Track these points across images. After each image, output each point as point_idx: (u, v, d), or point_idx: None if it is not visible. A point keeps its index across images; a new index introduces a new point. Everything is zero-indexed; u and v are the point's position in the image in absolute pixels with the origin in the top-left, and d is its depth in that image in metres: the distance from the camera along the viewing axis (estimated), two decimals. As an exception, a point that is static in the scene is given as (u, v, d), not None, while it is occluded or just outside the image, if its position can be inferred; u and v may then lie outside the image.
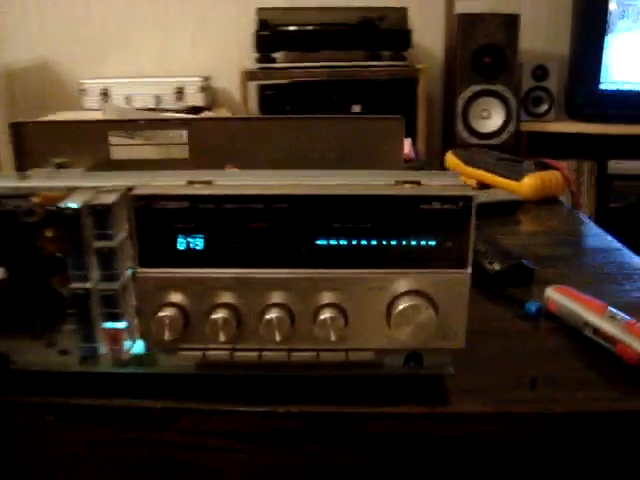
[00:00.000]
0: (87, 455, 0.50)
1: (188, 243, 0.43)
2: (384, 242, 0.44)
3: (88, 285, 0.44)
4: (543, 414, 0.46)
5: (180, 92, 2.37)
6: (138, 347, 0.48)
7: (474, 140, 2.27)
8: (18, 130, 0.84)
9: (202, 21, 2.58)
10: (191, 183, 0.45)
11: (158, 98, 2.35)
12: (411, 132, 2.15)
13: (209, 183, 0.44)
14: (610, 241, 0.87)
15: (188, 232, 0.43)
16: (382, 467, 0.48)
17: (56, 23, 2.58)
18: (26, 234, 0.45)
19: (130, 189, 0.43)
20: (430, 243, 0.44)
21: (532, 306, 0.62)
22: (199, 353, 0.46)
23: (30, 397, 0.48)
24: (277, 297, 0.44)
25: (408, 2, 2.41)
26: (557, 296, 0.60)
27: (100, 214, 0.42)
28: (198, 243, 0.44)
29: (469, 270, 0.44)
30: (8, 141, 0.84)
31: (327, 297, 0.44)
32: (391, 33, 2.25)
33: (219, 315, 0.43)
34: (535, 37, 2.54)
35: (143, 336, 0.46)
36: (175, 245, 0.44)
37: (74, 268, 0.43)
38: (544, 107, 2.44)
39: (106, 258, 0.43)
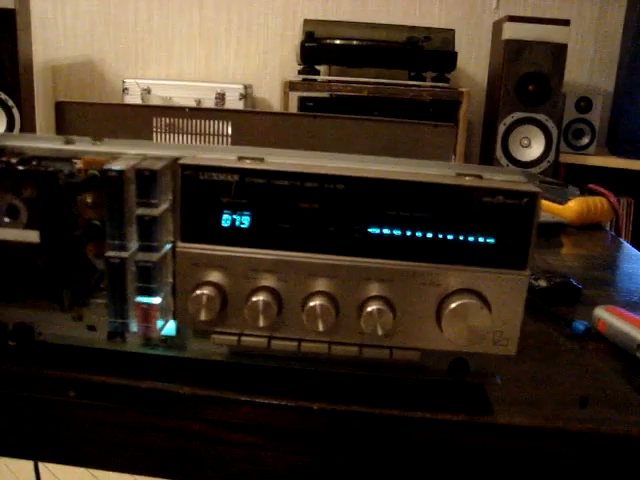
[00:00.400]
0: (104, 436, 0.48)
1: (234, 220, 0.41)
2: (440, 235, 0.41)
3: (125, 254, 0.42)
4: (596, 434, 0.43)
5: (221, 98, 2.37)
6: (169, 329, 0.46)
7: (519, 169, 2.24)
8: (62, 110, 0.83)
9: (247, 30, 2.59)
10: (242, 159, 0.43)
11: (199, 102, 2.36)
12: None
13: (261, 160, 0.42)
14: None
15: (235, 208, 0.41)
16: (418, 475, 0.45)
17: (105, 24, 2.62)
18: (65, 198, 0.43)
19: (178, 159, 0.41)
20: (489, 240, 0.41)
21: (580, 325, 0.59)
22: (234, 338, 0.43)
23: (53, 370, 0.46)
24: (322, 285, 0.42)
25: (456, 24, 2.41)
26: (607, 316, 0.57)
27: (145, 180, 0.40)
28: (244, 220, 0.41)
29: (528, 272, 0.41)
30: (50, 132, 0.82)
31: (375, 289, 0.42)
32: (436, 54, 2.23)
33: (260, 298, 0.41)
34: (581, 68, 2.52)
35: (178, 314, 0.43)
36: (220, 221, 0.41)
37: (112, 235, 0.41)
38: (585, 140, 2.41)
39: (147, 228, 0.41)
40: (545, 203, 1.05)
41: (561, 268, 0.79)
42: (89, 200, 0.43)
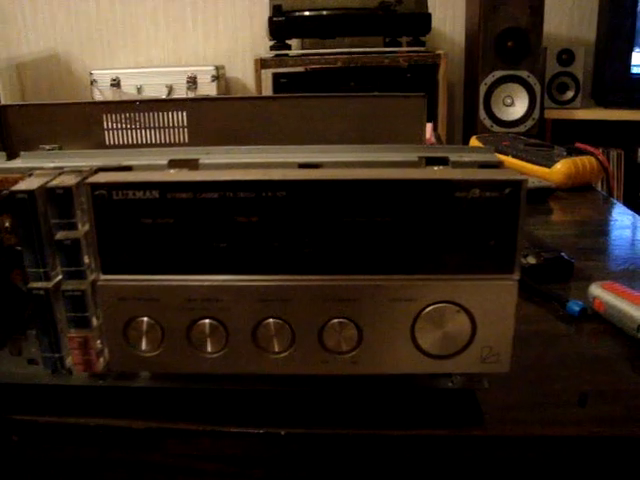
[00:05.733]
0: (61, 477, 0.43)
1: (160, 243, 0.35)
2: (409, 241, 0.35)
3: (49, 284, 0.36)
4: (597, 437, 0.38)
5: (193, 82, 2.29)
6: (116, 357, 0.40)
7: (497, 128, 2.18)
8: (4, 114, 0.77)
9: (214, 8, 2.50)
10: (172, 165, 0.37)
11: (170, 88, 2.28)
12: (431, 119, 2.06)
13: (193, 163, 0.37)
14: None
15: (159, 230, 0.35)
16: (403, 501, 0.40)
17: (66, 14, 2.52)
18: (-21, 224, 0.37)
19: (96, 171, 0.36)
20: (467, 242, 0.35)
21: (575, 306, 0.54)
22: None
23: (-10, 415, 0.42)
24: (272, 311, 0.35)
25: (427, -15, 2.32)
26: (605, 294, 0.53)
27: (59, 199, 0.34)
28: (173, 243, 0.35)
29: (517, 276, 0.35)
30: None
31: (337, 311, 0.35)
32: (410, 17, 2.15)
33: (202, 326, 0.35)
34: (560, 20, 2.44)
35: (110, 357, 0.38)
36: (144, 246, 0.35)
37: (31, 264, 0.36)
38: (570, 93, 2.34)
39: (70, 252, 0.36)
40: (531, 167, 1.00)
41: (551, 239, 0.74)
42: (7, 224, 0.38)
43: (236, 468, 0.42)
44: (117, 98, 2.20)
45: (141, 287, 0.35)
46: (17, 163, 0.39)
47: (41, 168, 0.37)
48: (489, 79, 2.16)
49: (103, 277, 0.35)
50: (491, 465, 0.39)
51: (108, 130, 0.77)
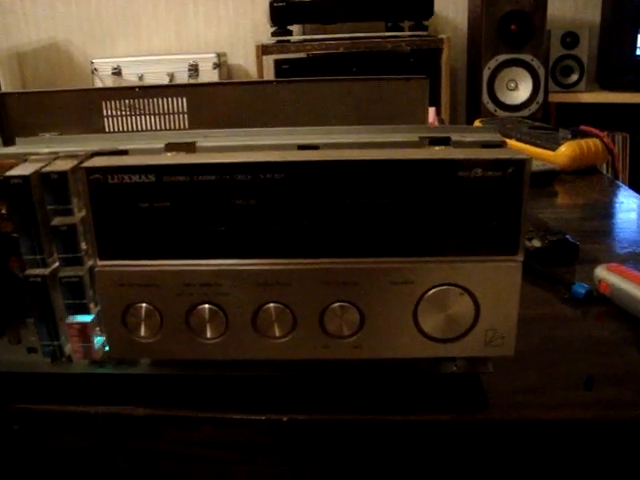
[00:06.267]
0: (62, 465, 0.43)
1: (158, 228, 0.34)
2: (410, 223, 0.34)
3: (46, 271, 0.36)
4: (604, 421, 0.38)
5: (194, 69, 2.28)
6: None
7: (500, 112, 2.16)
8: (3, 102, 0.76)
9: (215, -5, 2.49)
10: (169, 148, 0.36)
11: (172, 76, 2.27)
12: (435, 104, 2.04)
13: (190, 146, 0.36)
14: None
15: (156, 214, 0.34)
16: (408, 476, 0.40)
17: (66, 3, 2.51)
18: (-24, 211, 0.37)
19: (92, 155, 0.35)
20: (470, 223, 0.34)
21: (580, 288, 0.53)
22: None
23: (-9, 403, 0.41)
24: (272, 295, 0.35)
25: (430, -32, 2.30)
26: (610, 277, 0.52)
27: (54, 185, 0.34)
28: (171, 227, 0.34)
29: (521, 257, 0.35)
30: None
31: (337, 294, 0.35)
32: (412, 2, 2.13)
33: (199, 314, 0.35)
34: (564, 2, 2.41)
35: (109, 343, 0.37)
36: (141, 230, 0.34)
37: (28, 251, 0.36)
38: (574, 77, 2.32)
39: (66, 238, 0.35)
40: (535, 150, 0.99)
41: (556, 222, 0.73)
42: (3, 211, 0.38)
43: (239, 455, 0.41)
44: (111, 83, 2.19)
45: (139, 272, 0.35)
46: (12, 149, 0.39)
47: (36, 153, 0.37)
48: (492, 63, 2.15)
49: (101, 263, 0.35)
50: (495, 450, 0.39)
51: (107, 117, 0.76)
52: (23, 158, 0.37)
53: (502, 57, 2.14)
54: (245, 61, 2.51)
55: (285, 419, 0.39)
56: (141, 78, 2.29)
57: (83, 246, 0.36)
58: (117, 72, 2.28)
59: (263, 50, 2.10)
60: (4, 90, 2.28)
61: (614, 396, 0.40)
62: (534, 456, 0.39)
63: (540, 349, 0.45)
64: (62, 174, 0.34)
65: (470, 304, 0.34)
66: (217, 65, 2.29)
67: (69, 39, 2.54)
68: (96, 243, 0.34)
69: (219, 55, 2.33)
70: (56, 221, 0.35)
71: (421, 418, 0.38)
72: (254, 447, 0.41)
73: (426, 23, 2.17)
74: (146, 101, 0.76)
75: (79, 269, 0.36)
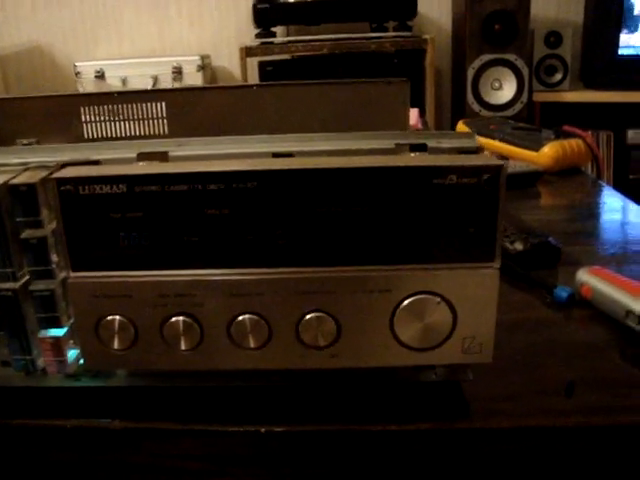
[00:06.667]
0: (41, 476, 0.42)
1: (130, 238, 0.34)
2: (385, 230, 0.34)
3: (16, 285, 0.35)
4: (585, 427, 0.38)
5: (178, 72, 2.27)
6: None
7: (485, 112, 2.16)
8: (-21, 109, 0.75)
9: (198, -3, 2.48)
10: (141, 157, 0.36)
11: (155, 79, 2.26)
12: (419, 105, 2.04)
13: (162, 156, 0.35)
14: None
15: (128, 224, 0.34)
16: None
17: (48, 5, 2.49)
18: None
19: (63, 166, 0.35)
20: (446, 230, 0.34)
21: (562, 292, 0.53)
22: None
23: (-37, 419, 0.40)
24: (246, 306, 0.35)
25: (413, -31, 2.30)
26: (592, 280, 0.52)
27: (23, 196, 0.33)
28: (143, 238, 0.34)
29: (497, 264, 0.34)
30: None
31: (313, 304, 0.34)
32: (396, 2, 2.13)
33: (176, 322, 0.34)
34: (547, 2, 2.42)
35: (83, 356, 0.37)
36: (114, 241, 0.34)
37: (-2, 264, 0.35)
38: (558, 76, 2.33)
39: (37, 251, 0.35)
40: (518, 151, 0.99)
41: (539, 223, 0.73)
42: (-28, 222, 0.37)
43: (217, 466, 0.41)
44: (101, 90, 2.18)
45: (112, 284, 0.34)
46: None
47: (6, 164, 0.36)
48: (476, 63, 2.15)
49: (73, 274, 0.34)
50: (477, 458, 0.39)
51: (86, 123, 0.75)
52: (-8, 169, 0.36)
53: (486, 57, 2.15)
54: (229, 63, 2.50)
55: (263, 430, 0.38)
56: (124, 81, 2.28)
57: (54, 258, 0.35)
58: (100, 75, 2.27)
59: (247, 52, 2.10)
60: (-14, 94, 2.26)
61: (595, 402, 0.39)
62: (515, 464, 0.39)
63: (522, 354, 0.45)
64: (31, 186, 0.33)
65: (447, 312, 0.34)
66: (201, 67, 2.28)
67: (52, 42, 2.52)
68: (68, 255, 0.34)
69: (203, 57, 2.32)
70: (26, 234, 0.34)
71: (401, 428, 0.38)
72: (232, 459, 0.40)
73: (410, 23, 2.17)
74: (125, 106, 0.75)
75: (50, 282, 0.35)
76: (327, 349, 0.34)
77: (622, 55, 2.24)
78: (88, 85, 2.26)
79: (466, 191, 0.33)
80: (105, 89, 2.19)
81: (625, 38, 2.23)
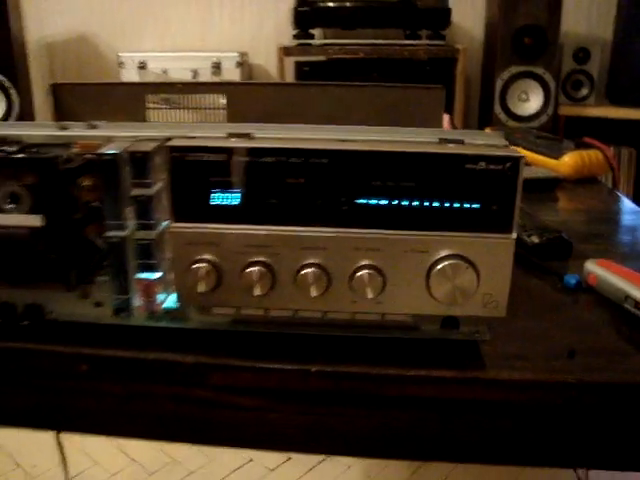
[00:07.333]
0: (117, 405, 0.50)
1: (224, 198, 0.43)
2: (426, 203, 0.42)
3: (124, 233, 0.43)
4: (580, 384, 0.45)
5: (217, 67, 2.36)
6: (171, 302, 0.48)
7: (511, 122, 2.24)
8: (58, 91, 0.84)
9: (240, -3, 2.57)
10: (231, 136, 0.44)
11: (195, 72, 2.35)
12: (448, 111, 2.12)
13: (248, 136, 0.44)
14: (652, 221, 0.85)
15: (224, 186, 0.42)
16: (416, 429, 0.47)
17: (96, -4, 2.60)
18: (64, 183, 0.44)
19: (168, 139, 0.43)
20: (474, 206, 0.42)
21: (571, 279, 0.60)
22: (232, 310, 0.45)
23: (64, 346, 0.49)
24: (313, 256, 0.43)
25: (449, -20, 2.38)
26: (597, 269, 0.59)
27: (138, 161, 0.41)
28: (234, 198, 0.43)
29: (514, 235, 0.42)
30: (48, 110, 0.84)
31: (365, 258, 0.43)
32: (430, 12, 2.21)
33: (253, 270, 0.43)
34: (578, 19, 2.49)
35: (177, 292, 0.45)
36: (210, 199, 0.43)
37: (110, 216, 0.43)
38: (584, 91, 2.39)
39: (143, 207, 0.43)
40: (540, 158, 1.06)
41: (555, 223, 0.80)
42: (87, 183, 0.45)
43: (270, 403, 0.49)
44: (145, 80, 2.27)
45: (205, 234, 0.43)
46: (94, 132, 0.46)
47: (119, 137, 0.44)
48: (505, 74, 2.22)
49: (174, 225, 0.43)
50: (489, 405, 0.46)
51: (150, 109, 0.84)
52: (107, 140, 0.44)
53: (515, 69, 2.22)
54: (266, 61, 2.59)
55: (313, 370, 0.46)
56: (165, 73, 2.37)
57: (156, 214, 0.43)
58: (142, 66, 2.36)
59: (285, 52, 2.18)
60: (33, 80, 2.37)
61: (592, 365, 0.47)
62: (522, 412, 0.46)
63: (532, 328, 0.53)
64: (146, 153, 0.41)
65: (473, 274, 0.42)
66: (239, 64, 2.37)
67: (97, 32, 2.62)
68: (173, 208, 0.42)
69: (242, 54, 2.41)
70: (136, 192, 0.42)
71: (430, 373, 0.46)
72: (284, 394, 0.48)
73: (443, 33, 2.25)
74: (188, 96, 0.84)
75: (151, 233, 0.43)
76: (374, 297, 0.43)
77: (648, 74, 2.30)
78: (130, 75, 2.36)
79: (492, 175, 0.41)
80: (147, 79, 2.29)
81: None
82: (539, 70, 2.22)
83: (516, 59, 2.21)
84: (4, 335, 0.49)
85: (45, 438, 1.63)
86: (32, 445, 1.63)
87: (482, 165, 0.41)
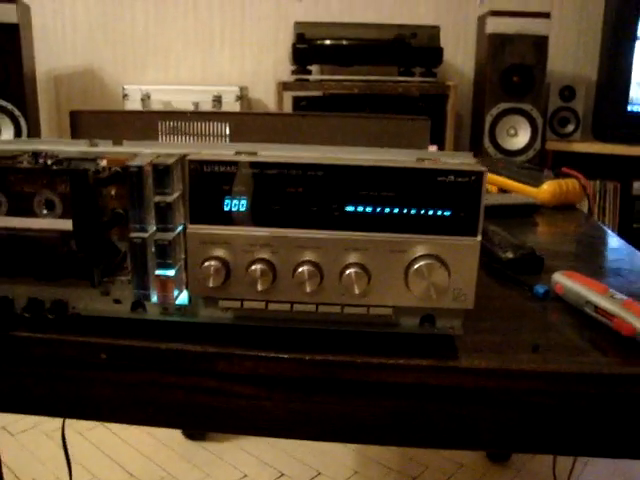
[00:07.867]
0: (129, 394, 0.57)
1: (233, 204, 0.50)
2: (405, 210, 0.49)
3: (145, 235, 0.50)
4: (543, 372, 0.52)
5: (218, 100, 2.45)
6: (183, 298, 0.54)
7: (500, 157, 2.32)
8: (76, 118, 0.92)
9: (241, 34, 2.68)
10: (238, 153, 0.51)
11: (196, 105, 2.44)
12: (439, 145, 2.22)
13: (254, 154, 0.51)
14: (622, 243, 0.91)
15: (234, 194, 0.50)
16: (398, 414, 0.54)
17: (103, 33, 2.70)
18: (93, 192, 0.51)
19: (185, 155, 0.50)
20: (445, 212, 0.49)
21: (540, 289, 0.67)
22: (237, 303, 0.52)
23: (86, 337, 0.55)
24: (309, 255, 0.50)
25: (441, 21, 2.50)
26: (563, 279, 0.66)
27: (160, 173, 0.48)
28: (242, 204, 0.50)
29: (479, 238, 0.50)
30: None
31: (353, 257, 0.50)
32: (423, 50, 2.32)
33: (258, 267, 0.49)
34: (563, 58, 2.60)
35: (189, 285, 0.52)
36: (222, 205, 0.50)
37: (135, 220, 0.50)
38: (570, 127, 2.49)
39: (163, 212, 0.50)
40: (520, 186, 1.14)
41: (531, 243, 0.87)
42: (113, 192, 0.52)
43: (267, 392, 0.55)
44: (151, 105, 2.36)
45: (217, 234, 0.50)
46: (121, 148, 0.53)
47: (142, 153, 0.51)
48: (495, 110, 2.32)
49: (190, 226, 0.50)
50: (462, 391, 0.53)
51: (162, 134, 0.92)
52: (133, 155, 0.51)
53: (504, 105, 2.31)
54: (265, 96, 2.69)
55: (307, 358, 0.53)
56: (167, 105, 2.46)
57: (173, 219, 0.50)
58: (146, 98, 2.45)
59: (283, 86, 2.28)
60: (41, 110, 2.45)
61: (553, 358, 0.53)
62: (490, 397, 0.53)
63: (502, 329, 0.59)
64: (167, 166, 0.48)
65: (445, 271, 0.49)
66: (239, 97, 2.46)
67: (103, 66, 2.72)
68: (189, 212, 0.49)
69: (241, 88, 2.50)
70: (158, 199, 0.49)
71: (409, 362, 0.52)
72: (280, 382, 0.54)
73: (435, 70, 2.35)
74: (195, 124, 0.91)
75: (169, 234, 0.50)
76: (361, 290, 0.49)
77: (631, 111, 2.40)
78: (134, 107, 2.44)
79: (460, 187, 0.48)
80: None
81: (634, 95, 2.39)
82: (527, 107, 2.31)
83: (505, 96, 2.31)
84: (32, 327, 0.56)
85: (45, 453, 1.68)
86: (33, 460, 1.67)
87: (451, 178, 0.48)
